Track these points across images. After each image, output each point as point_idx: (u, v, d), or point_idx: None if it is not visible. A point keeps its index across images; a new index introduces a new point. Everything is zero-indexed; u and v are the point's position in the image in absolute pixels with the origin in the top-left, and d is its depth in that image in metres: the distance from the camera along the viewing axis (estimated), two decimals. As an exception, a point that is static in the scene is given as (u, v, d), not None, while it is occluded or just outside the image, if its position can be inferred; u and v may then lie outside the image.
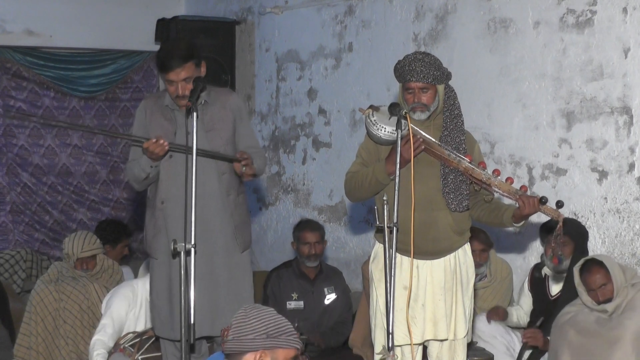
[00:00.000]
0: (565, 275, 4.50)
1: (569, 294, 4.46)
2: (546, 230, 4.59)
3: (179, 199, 3.50)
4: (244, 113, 4.12)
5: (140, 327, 4.64)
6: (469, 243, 3.89)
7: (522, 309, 4.89)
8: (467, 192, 3.69)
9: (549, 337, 4.34)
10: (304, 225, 5.37)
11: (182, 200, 3.59)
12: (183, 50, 3.86)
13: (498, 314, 4.80)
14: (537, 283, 4.71)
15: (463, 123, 3.77)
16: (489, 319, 4.77)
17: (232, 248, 4.03)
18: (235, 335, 2.95)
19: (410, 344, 3.68)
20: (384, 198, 3.43)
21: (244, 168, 3.84)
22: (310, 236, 5.26)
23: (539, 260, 4.85)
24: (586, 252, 4.54)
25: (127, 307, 4.61)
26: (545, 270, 4.66)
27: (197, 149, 3.76)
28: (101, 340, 4.53)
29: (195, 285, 3.89)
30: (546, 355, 4.36)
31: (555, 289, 4.62)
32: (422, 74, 3.63)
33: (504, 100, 5.23)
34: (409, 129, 3.57)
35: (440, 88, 3.72)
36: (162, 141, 3.74)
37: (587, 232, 4.62)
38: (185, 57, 3.82)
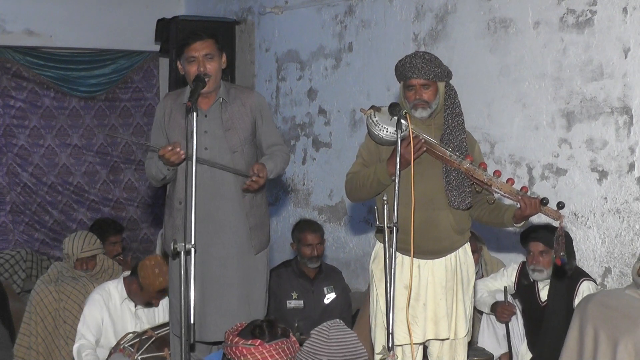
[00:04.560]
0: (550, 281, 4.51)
1: (555, 300, 4.46)
2: (525, 239, 4.55)
3: (197, 199, 3.48)
4: (265, 111, 4.07)
5: (119, 331, 4.63)
6: (469, 243, 3.89)
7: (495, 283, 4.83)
8: (470, 189, 3.69)
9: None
10: (305, 227, 5.35)
11: (200, 200, 3.59)
12: (204, 30, 3.99)
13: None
14: (525, 290, 4.65)
15: (464, 122, 3.78)
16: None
17: (246, 250, 4.00)
18: (311, 349, 2.98)
19: (411, 344, 3.68)
20: (384, 198, 3.43)
21: (248, 180, 3.83)
22: (312, 238, 5.25)
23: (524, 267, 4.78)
24: (572, 255, 4.51)
25: (100, 310, 4.59)
26: (533, 277, 4.59)
27: (209, 162, 3.79)
28: (84, 344, 4.52)
29: (209, 289, 3.91)
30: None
31: (544, 294, 4.57)
32: (423, 70, 3.65)
33: (504, 100, 5.23)
34: (409, 130, 3.57)
35: (441, 86, 3.73)
36: (178, 149, 3.71)
37: (568, 234, 4.57)
38: (207, 34, 3.92)
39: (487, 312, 4.70)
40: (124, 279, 4.69)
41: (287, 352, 3.23)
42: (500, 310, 4.61)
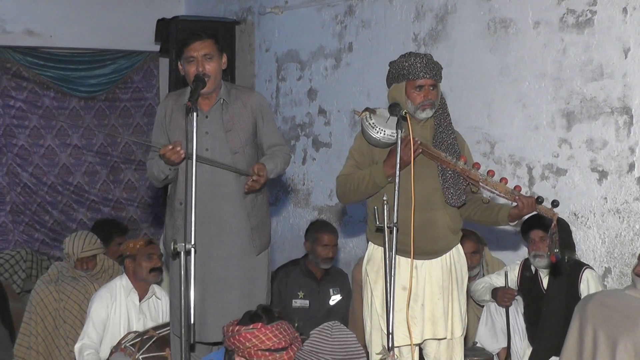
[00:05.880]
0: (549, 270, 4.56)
1: (555, 286, 4.51)
2: (526, 230, 4.60)
3: (198, 200, 3.48)
4: (266, 111, 4.06)
5: (124, 326, 4.65)
6: (460, 242, 3.91)
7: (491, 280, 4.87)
8: (464, 186, 3.71)
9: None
10: (324, 227, 5.35)
11: (201, 201, 3.59)
12: (204, 30, 4.00)
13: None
14: (529, 281, 4.70)
15: (451, 122, 3.80)
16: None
17: (248, 251, 4.00)
18: (313, 348, 3.02)
19: (411, 344, 3.69)
20: (384, 198, 3.43)
21: (250, 181, 3.82)
22: (329, 238, 5.26)
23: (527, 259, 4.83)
24: (572, 247, 4.57)
25: (106, 308, 4.62)
26: (535, 265, 4.64)
27: (210, 160, 3.79)
28: (87, 344, 4.54)
29: (210, 290, 3.90)
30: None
31: (546, 283, 4.61)
32: (434, 71, 3.68)
33: (504, 100, 5.23)
34: (408, 131, 3.57)
35: (440, 86, 3.75)
36: (178, 148, 3.70)
37: (567, 225, 4.62)
38: (206, 34, 3.92)
39: (487, 299, 4.73)
40: (126, 270, 4.77)
41: (286, 332, 3.29)
42: (501, 294, 4.64)
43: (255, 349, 3.21)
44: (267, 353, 3.21)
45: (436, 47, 5.57)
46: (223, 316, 3.86)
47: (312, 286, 5.30)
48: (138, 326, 4.67)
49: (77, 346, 4.57)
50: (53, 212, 7.66)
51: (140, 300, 4.73)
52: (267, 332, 3.23)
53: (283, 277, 5.28)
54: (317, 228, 5.34)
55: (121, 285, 4.71)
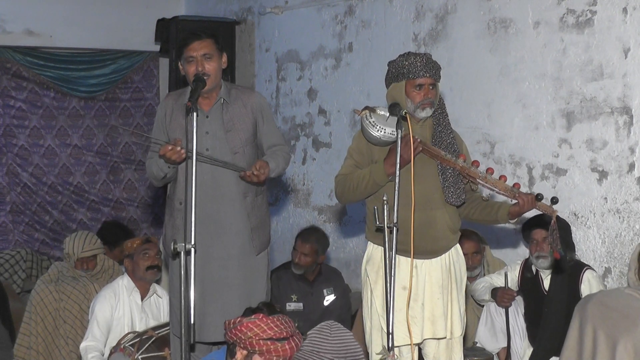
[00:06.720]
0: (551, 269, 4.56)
1: (557, 287, 4.51)
2: (528, 229, 4.61)
3: (198, 200, 3.48)
4: (266, 111, 4.06)
5: (128, 325, 4.66)
6: (459, 242, 3.92)
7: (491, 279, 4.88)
8: (463, 185, 3.72)
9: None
10: (303, 232, 5.38)
11: (201, 201, 3.58)
12: (204, 30, 3.99)
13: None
14: (529, 281, 4.70)
15: (449, 121, 3.81)
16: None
17: (247, 251, 4.00)
18: (314, 348, 3.04)
19: (411, 344, 3.69)
20: (384, 198, 3.43)
21: (248, 172, 3.82)
22: (300, 245, 5.27)
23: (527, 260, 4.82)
24: (571, 245, 4.56)
25: (110, 308, 4.63)
26: (538, 266, 4.64)
27: (211, 159, 3.79)
28: (91, 345, 4.54)
29: (209, 290, 3.90)
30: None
31: (547, 284, 4.61)
32: (433, 70, 3.69)
33: (504, 100, 5.23)
34: (408, 130, 3.57)
35: (439, 86, 3.76)
36: (179, 148, 3.70)
37: (568, 225, 4.62)
38: (206, 34, 3.92)
39: (487, 299, 4.73)
40: (126, 270, 4.79)
41: (288, 325, 3.31)
42: (501, 295, 4.64)
43: (257, 338, 3.22)
44: (268, 342, 3.22)
45: (436, 47, 5.57)
46: (223, 316, 3.85)
47: (305, 288, 5.29)
48: (141, 325, 4.68)
49: (82, 345, 4.57)
50: (53, 212, 7.66)
51: (142, 299, 4.74)
52: (269, 321, 3.25)
53: (275, 281, 5.27)
54: (300, 231, 5.40)
55: (123, 285, 4.71)
